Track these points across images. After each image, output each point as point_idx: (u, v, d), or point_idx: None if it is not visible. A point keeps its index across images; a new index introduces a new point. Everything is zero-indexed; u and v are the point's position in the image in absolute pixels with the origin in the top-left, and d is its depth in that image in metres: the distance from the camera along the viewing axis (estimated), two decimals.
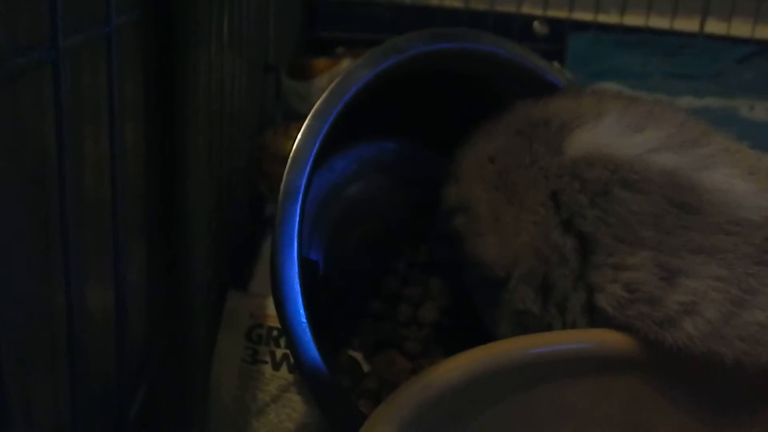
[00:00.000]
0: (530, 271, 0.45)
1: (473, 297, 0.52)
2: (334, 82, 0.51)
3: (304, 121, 0.51)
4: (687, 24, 1.34)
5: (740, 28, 1.33)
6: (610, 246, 0.42)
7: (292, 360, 0.58)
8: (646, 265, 0.41)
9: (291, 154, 0.50)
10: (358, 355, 0.58)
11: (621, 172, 0.43)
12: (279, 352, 0.58)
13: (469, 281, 0.52)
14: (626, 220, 0.42)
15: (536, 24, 1.32)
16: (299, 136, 0.50)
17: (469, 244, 0.48)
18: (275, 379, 0.57)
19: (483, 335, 0.51)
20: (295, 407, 0.56)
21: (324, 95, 0.51)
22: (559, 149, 0.45)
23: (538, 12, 1.34)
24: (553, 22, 1.33)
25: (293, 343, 0.48)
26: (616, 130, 0.45)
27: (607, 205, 0.43)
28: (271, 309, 0.61)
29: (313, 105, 0.51)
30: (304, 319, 0.47)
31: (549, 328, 0.45)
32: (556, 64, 0.60)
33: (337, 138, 0.52)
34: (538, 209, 0.45)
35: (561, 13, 1.34)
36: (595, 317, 0.43)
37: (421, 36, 0.53)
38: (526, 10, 1.34)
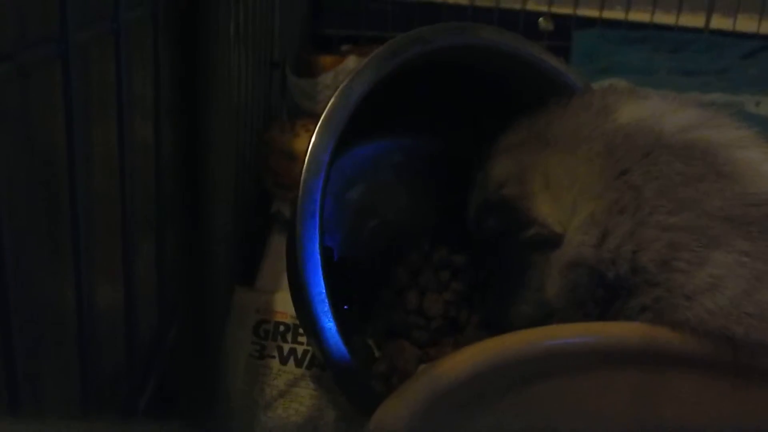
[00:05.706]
0: (590, 217, 0.46)
1: (514, 269, 0.53)
2: (360, 64, 0.50)
3: (311, 116, 0.50)
4: (692, 20, 1.33)
5: (746, 24, 1.32)
6: (653, 200, 0.44)
7: (299, 355, 0.58)
8: (686, 227, 0.42)
9: (317, 128, 0.49)
10: (370, 341, 0.58)
11: (664, 140, 0.46)
12: (286, 347, 0.58)
13: (518, 247, 0.52)
14: (669, 177, 0.44)
15: (542, 20, 1.32)
16: (325, 113, 0.49)
17: (522, 207, 0.50)
18: (283, 373, 0.57)
19: (492, 327, 0.50)
20: (302, 402, 0.56)
21: (350, 76, 0.50)
22: (607, 118, 0.48)
23: (544, 8, 1.33)
24: (558, 19, 1.33)
25: (310, 310, 0.47)
26: (658, 108, 0.48)
27: (651, 164, 0.45)
28: (277, 305, 0.61)
29: (319, 102, 0.50)
30: (323, 289, 0.47)
31: (600, 281, 0.46)
32: None
33: (349, 133, 0.51)
34: (593, 159, 0.47)
35: (566, 10, 1.34)
36: (637, 278, 0.44)
37: (447, 29, 0.53)
38: (532, 6, 1.33)
